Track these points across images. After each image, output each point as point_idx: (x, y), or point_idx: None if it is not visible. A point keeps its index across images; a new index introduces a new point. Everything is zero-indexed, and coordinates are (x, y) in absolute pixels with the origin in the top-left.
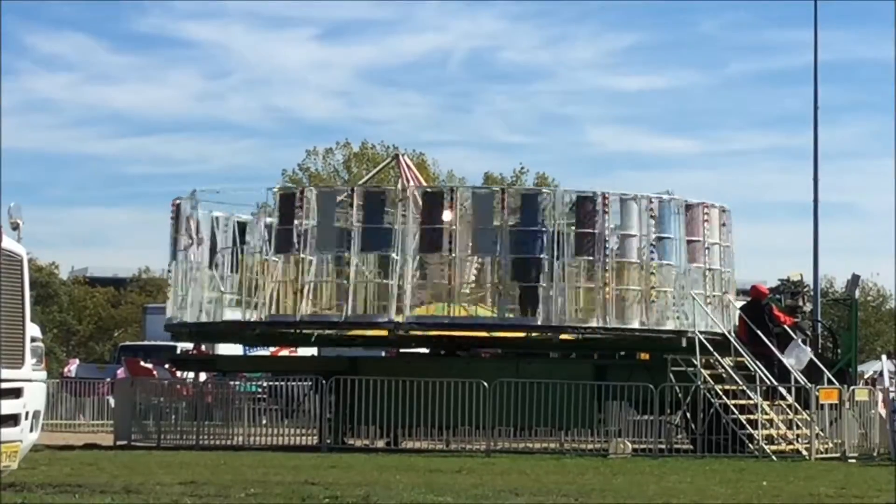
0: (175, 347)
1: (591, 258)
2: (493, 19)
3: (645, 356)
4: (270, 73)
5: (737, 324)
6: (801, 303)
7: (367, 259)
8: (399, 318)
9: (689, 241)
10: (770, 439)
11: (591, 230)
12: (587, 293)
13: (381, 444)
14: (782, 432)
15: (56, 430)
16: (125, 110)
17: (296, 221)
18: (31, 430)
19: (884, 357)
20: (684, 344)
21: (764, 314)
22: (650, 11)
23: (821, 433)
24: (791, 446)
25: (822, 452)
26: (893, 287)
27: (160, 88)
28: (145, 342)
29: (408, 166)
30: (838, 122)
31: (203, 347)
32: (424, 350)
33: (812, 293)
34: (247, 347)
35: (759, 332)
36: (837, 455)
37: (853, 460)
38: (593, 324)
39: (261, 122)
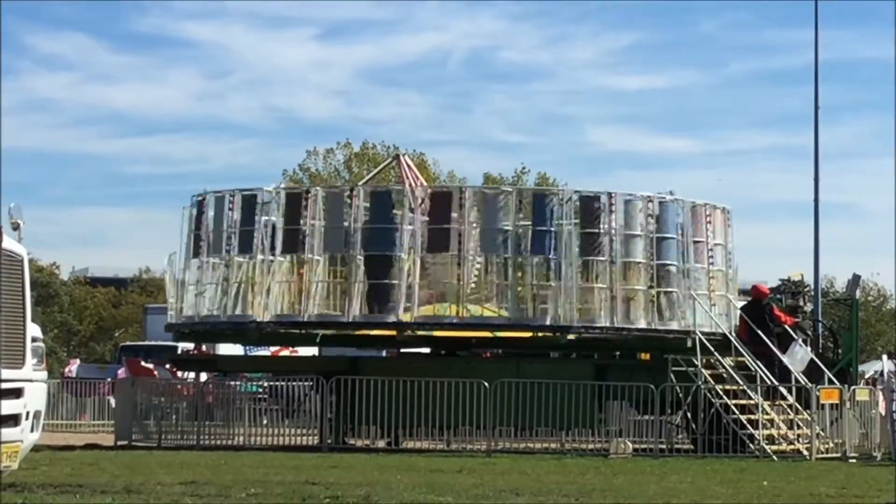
0: (176, 347)
1: (449, 253)
2: (493, 19)
3: (645, 356)
4: (270, 72)
5: (737, 323)
6: (801, 303)
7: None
8: (261, 318)
9: (584, 234)
10: (771, 439)
11: (446, 226)
12: (448, 288)
13: (381, 444)
14: (783, 432)
15: (57, 430)
16: (125, 110)
17: (202, 227)
18: (32, 431)
19: (884, 357)
20: (563, 340)
21: (765, 314)
22: (650, 11)
23: (821, 433)
24: (792, 446)
25: (822, 452)
26: (894, 287)
27: (160, 88)
28: (146, 342)
29: (409, 166)
30: (839, 121)
31: (203, 347)
32: (425, 350)
33: (813, 293)
34: (247, 348)
35: (759, 331)
36: (838, 455)
37: (854, 460)
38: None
39: (261, 121)
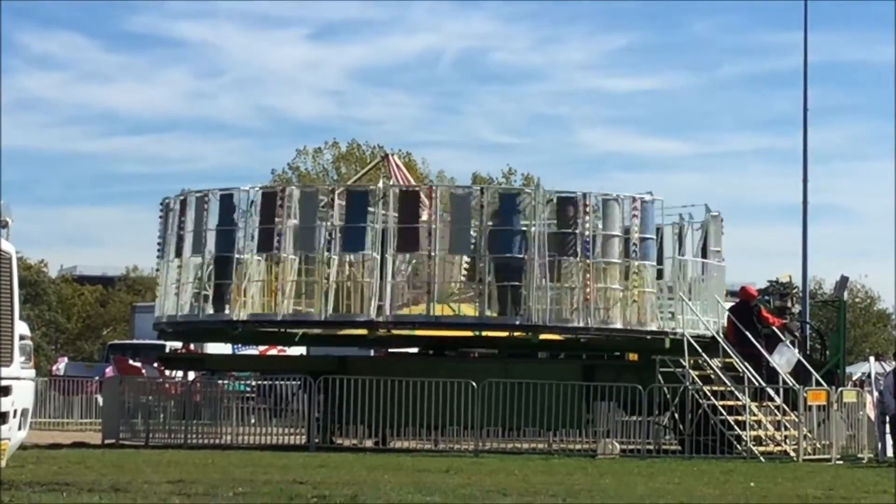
0: (164, 346)
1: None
2: (485, 20)
3: (633, 357)
4: (262, 72)
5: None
6: (789, 304)
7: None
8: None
9: (401, 230)
10: (758, 440)
11: (311, 225)
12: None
13: (369, 443)
14: (770, 433)
15: (44, 428)
16: (116, 109)
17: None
18: (20, 429)
19: (871, 359)
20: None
21: (752, 315)
22: (642, 13)
23: (809, 434)
24: (779, 447)
25: (809, 454)
26: (895, 288)
27: (151, 87)
28: (134, 341)
29: (397, 166)
30: (830, 124)
31: (192, 346)
32: (413, 350)
33: (801, 295)
34: (235, 347)
35: (747, 333)
36: (825, 456)
37: (841, 462)
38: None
39: (252, 121)
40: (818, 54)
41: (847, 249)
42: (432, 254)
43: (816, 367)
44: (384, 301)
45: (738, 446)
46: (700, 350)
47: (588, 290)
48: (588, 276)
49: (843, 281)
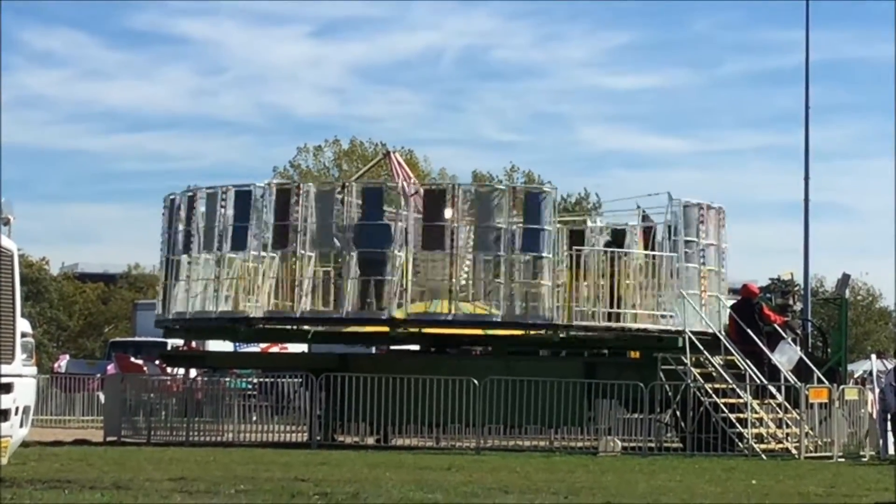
0: (165, 344)
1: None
2: (487, 17)
3: (635, 354)
4: (263, 70)
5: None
6: (791, 302)
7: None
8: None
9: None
10: (760, 438)
11: (212, 225)
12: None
13: (371, 441)
14: (772, 431)
15: (46, 425)
16: (118, 106)
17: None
18: (21, 426)
19: (873, 356)
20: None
21: (754, 313)
22: (643, 11)
23: (810, 432)
24: (780, 445)
25: (811, 451)
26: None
27: (153, 85)
28: (136, 338)
29: (399, 163)
30: (831, 122)
31: (193, 344)
32: (415, 347)
33: (802, 292)
34: (237, 344)
35: (749, 330)
36: (827, 454)
37: (842, 459)
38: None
39: (253, 119)
40: (819, 52)
41: (848, 247)
42: (299, 251)
43: (818, 365)
44: (261, 298)
45: (739, 444)
46: (701, 347)
47: (453, 281)
48: (453, 268)
49: (845, 278)
